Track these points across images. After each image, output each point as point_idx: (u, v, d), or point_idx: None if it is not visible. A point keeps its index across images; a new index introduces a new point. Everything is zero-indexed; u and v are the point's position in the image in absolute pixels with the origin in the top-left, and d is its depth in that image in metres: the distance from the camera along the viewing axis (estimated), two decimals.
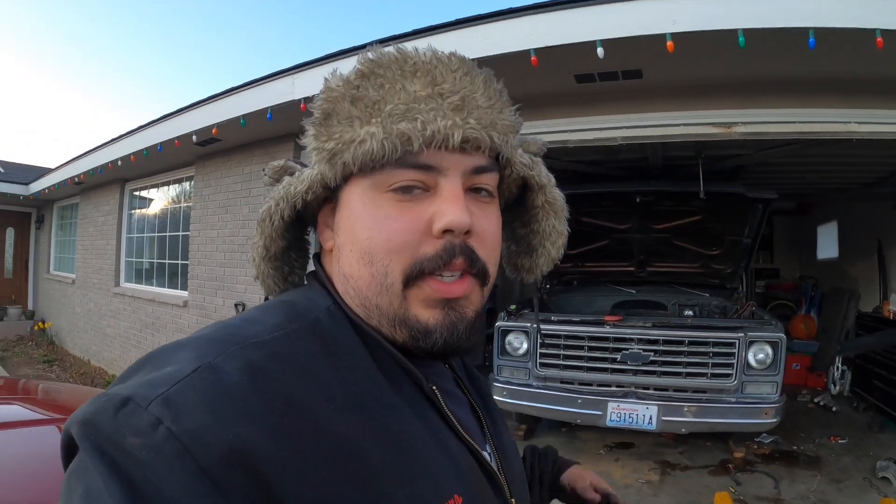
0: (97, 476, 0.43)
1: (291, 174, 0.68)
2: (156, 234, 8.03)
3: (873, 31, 2.77)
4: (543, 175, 0.75)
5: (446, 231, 0.60)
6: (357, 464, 0.50)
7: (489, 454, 0.70)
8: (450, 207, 0.59)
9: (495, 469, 0.68)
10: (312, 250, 0.77)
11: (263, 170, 0.71)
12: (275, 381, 0.49)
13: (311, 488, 0.47)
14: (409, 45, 0.64)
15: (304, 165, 0.69)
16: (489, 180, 0.65)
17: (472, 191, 0.63)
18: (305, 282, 0.72)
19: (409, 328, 0.61)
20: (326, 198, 0.67)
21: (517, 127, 0.68)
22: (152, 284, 7.99)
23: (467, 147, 0.61)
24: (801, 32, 2.85)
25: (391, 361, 0.62)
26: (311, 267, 0.75)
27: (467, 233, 0.61)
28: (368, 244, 0.61)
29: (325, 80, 0.64)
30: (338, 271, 0.65)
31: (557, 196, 0.76)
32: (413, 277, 0.60)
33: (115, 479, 0.42)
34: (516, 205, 0.79)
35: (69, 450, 0.48)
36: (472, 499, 0.59)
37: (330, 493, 0.48)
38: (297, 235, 0.75)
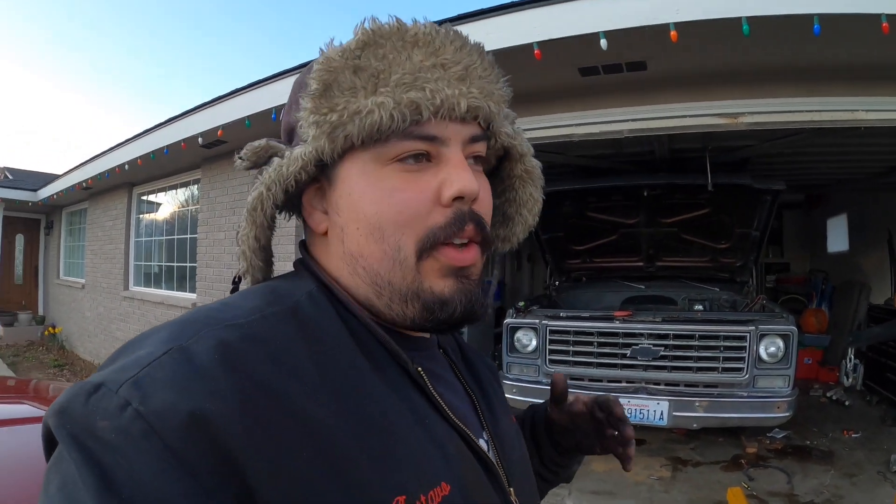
0: (71, 464, 0.42)
1: (279, 155, 0.64)
2: (164, 238, 8.08)
3: (878, 15, 2.74)
4: (524, 144, 0.74)
5: (456, 199, 0.59)
6: (330, 449, 0.48)
7: (485, 441, 0.68)
8: (460, 174, 0.59)
9: (491, 457, 0.66)
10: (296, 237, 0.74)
11: (237, 154, 0.67)
12: (245, 362, 0.48)
13: (277, 470, 0.45)
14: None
15: (281, 143, 0.66)
16: (482, 149, 0.65)
17: (469, 158, 0.63)
18: (294, 270, 0.70)
19: (423, 301, 0.60)
20: (312, 178, 0.64)
21: (508, 98, 0.68)
22: (161, 288, 8.04)
23: (467, 116, 0.61)
24: (806, 19, 2.82)
25: (376, 344, 0.61)
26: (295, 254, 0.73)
27: (474, 200, 0.61)
28: (377, 219, 0.59)
29: (321, 50, 0.62)
30: (340, 253, 0.63)
31: (535, 164, 0.75)
32: (427, 248, 0.59)
33: (88, 466, 0.42)
34: (491, 176, 0.77)
35: (49, 442, 0.47)
36: (461, 487, 0.57)
37: (300, 476, 0.46)
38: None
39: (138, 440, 0.42)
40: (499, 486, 0.64)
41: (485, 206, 0.64)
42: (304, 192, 0.65)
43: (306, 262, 0.67)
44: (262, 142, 0.65)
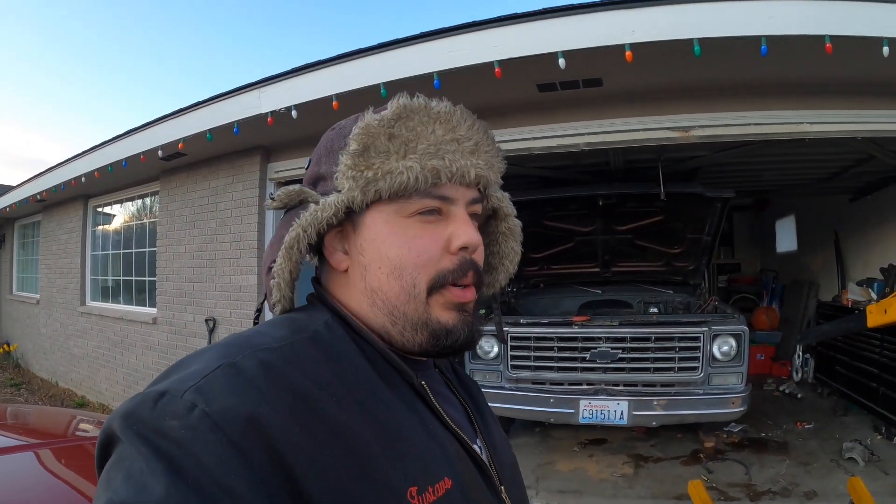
0: (139, 459, 0.50)
1: (304, 201, 0.76)
2: (121, 251, 7.89)
3: (822, 37, 2.90)
4: (509, 207, 0.89)
5: (462, 249, 0.72)
6: (355, 446, 0.58)
7: (479, 447, 0.79)
8: (465, 229, 0.72)
9: (484, 459, 0.77)
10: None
11: (271, 195, 0.78)
12: (285, 377, 0.58)
13: (316, 464, 0.55)
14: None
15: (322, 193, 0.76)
16: (479, 209, 0.78)
17: (469, 216, 0.75)
18: (309, 303, 0.80)
19: (431, 329, 0.72)
20: (336, 224, 0.75)
21: (503, 169, 0.81)
22: (119, 302, 7.86)
23: (472, 182, 0.74)
24: (754, 40, 2.97)
25: (384, 363, 0.71)
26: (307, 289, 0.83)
27: (474, 250, 0.74)
28: (398, 260, 0.71)
29: (360, 117, 0.73)
30: (362, 287, 0.73)
31: (517, 223, 0.91)
32: (436, 287, 0.71)
33: (157, 458, 0.50)
34: (480, 230, 0.90)
35: (105, 449, 0.55)
36: (460, 482, 0.67)
37: (332, 469, 0.56)
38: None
39: (206, 434, 0.51)
40: (492, 485, 0.76)
41: (480, 256, 0.76)
42: (327, 234, 0.75)
43: (321, 296, 0.78)
44: (297, 188, 0.77)
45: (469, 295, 0.74)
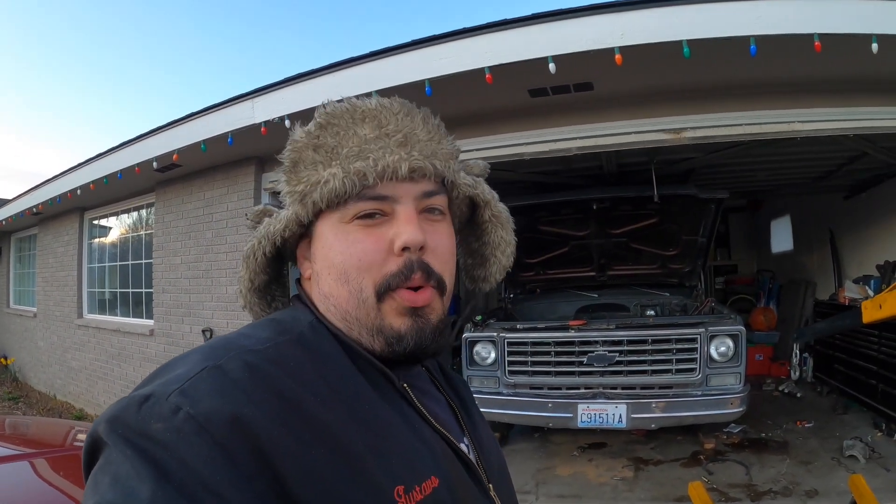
0: (125, 463, 0.51)
1: (270, 216, 0.79)
2: (118, 263, 7.89)
3: (811, 35, 2.92)
4: (487, 192, 0.87)
5: (405, 249, 0.70)
6: (341, 446, 0.59)
7: (466, 446, 0.79)
8: (405, 227, 0.70)
9: (472, 458, 0.77)
10: (292, 280, 0.87)
11: (246, 215, 0.81)
12: (269, 378, 0.58)
13: (302, 464, 0.55)
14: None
15: (280, 208, 0.79)
16: (438, 201, 0.76)
17: (427, 211, 0.74)
18: (291, 304, 0.81)
19: (385, 336, 0.71)
20: (302, 234, 0.77)
21: (456, 153, 0.80)
22: (116, 314, 7.85)
23: (415, 175, 0.72)
24: (743, 41, 2.98)
25: (368, 365, 0.71)
26: (293, 291, 0.85)
27: (421, 249, 0.71)
28: (343, 266, 0.71)
29: (289, 132, 0.75)
30: (318, 293, 0.75)
31: (502, 209, 0.89)
32: (383, 291, 0.70)
33: (143, 461, 0.50)
34: (469, 223, 0.92)
35: (92, 454, 0.55)
36: (447, 481, 0.67)
37: (319, 469, 0.56)
38: (279, 270, 0.86)
39: (191, 436, 0.51)
40: (479, 483, 0.76)
41: (439, 253, 0.74)
42: (299, 245, 0.79)
43: (302, 298, 0.79)
44: (261, 206, 0.81)
45: (422, 298, 0.71)
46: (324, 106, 0.74)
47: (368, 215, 0.70)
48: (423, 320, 0.72)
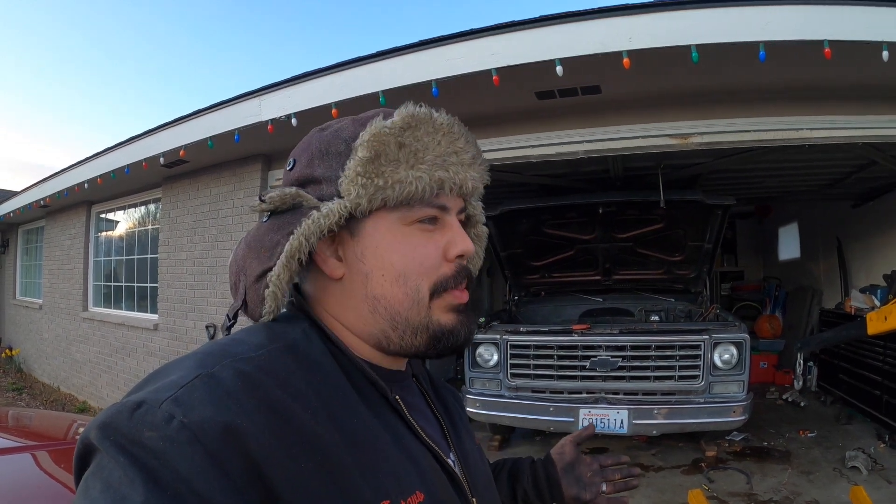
0: (117, 469, 0.50)
1: (299, 205, 0.72)
2: (124, 257, 7.93)
3: (821, 42, 2.90)
4: (481, 214, 0.91)
5: (458, 256, 0.75)
6: (328, 459, 0.58)
7: (452, 460, 0.79)
8: (461, 238, 0.75)
9: (458, 472, 0.77)
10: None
11: (261, 198, 0.74)
12: (261, 388, 0.58)
13: (291, 476, 0.55)
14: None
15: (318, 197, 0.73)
16: (464, 217, 0.82)
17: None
18: (287, 308, 0.78)
19: (431, 332, 0.73)
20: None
21: (487, 181, 0.83)
22: (121, 308, 7.89)
23: (465, 193, 0.77)
24: (752, 46, 2.96)
25: (360, 375, 0.71)
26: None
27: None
28: (404, 268, 0.72)
29: (372, 123, 0.72)
30: (361, 295, 0.73)
31: (484, 230, 0.93)
32: (438, 292, 0.73)
33: (135, 468, 0.50)
34: None
35: (83, 459, 0.55)
36: (433, 496, 0.67)
37: (307, 481, 0.56)
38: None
39: (184, 445, 0.51)
40: (464, 497, 0.76)
41: (473, 261, 0.82)
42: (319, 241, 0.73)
43: (300, 304, 0.77)
44: (293, 190, 0.73)
45: (466, 296, 0.77)
46: (405, 106, 0.74)
47: (431, 219, 0.74)
48: (467, 315, 0.77)
